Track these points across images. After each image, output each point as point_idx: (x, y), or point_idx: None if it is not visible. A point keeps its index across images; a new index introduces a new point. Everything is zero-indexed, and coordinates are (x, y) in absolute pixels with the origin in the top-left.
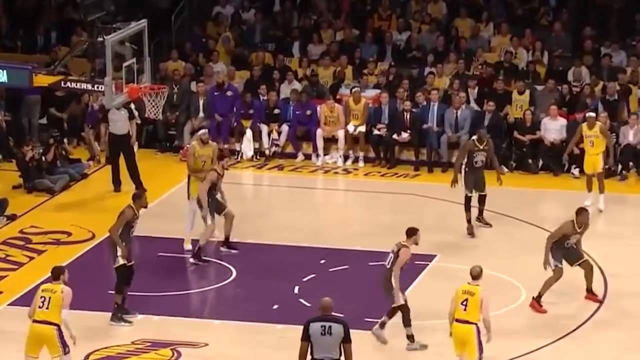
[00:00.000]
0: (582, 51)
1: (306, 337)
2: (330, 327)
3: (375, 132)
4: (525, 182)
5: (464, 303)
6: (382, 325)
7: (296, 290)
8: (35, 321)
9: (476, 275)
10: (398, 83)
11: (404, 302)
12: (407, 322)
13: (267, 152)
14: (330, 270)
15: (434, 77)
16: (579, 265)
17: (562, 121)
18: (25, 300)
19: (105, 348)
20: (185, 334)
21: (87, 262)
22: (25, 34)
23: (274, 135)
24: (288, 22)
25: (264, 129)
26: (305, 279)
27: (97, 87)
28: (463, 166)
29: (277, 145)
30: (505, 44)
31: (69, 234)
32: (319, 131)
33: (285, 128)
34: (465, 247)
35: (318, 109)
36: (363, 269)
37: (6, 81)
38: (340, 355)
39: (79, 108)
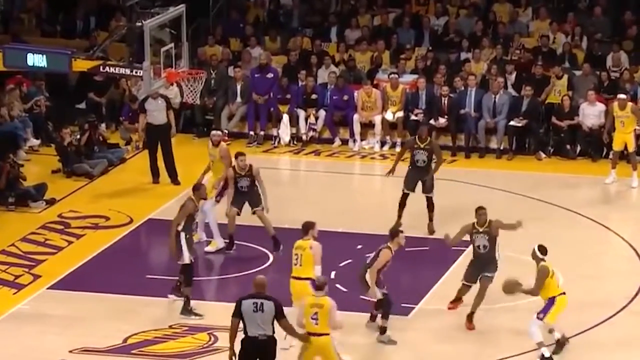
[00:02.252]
0: (622, 36)
1: (237, 313)
2: (262, 304)
3: (413, 117)
4: (563, 168)
5: (314, 317)
6: (382, 330)
7: (332, 275)
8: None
9: (320, 286)
10: (435, 68)
11: (382, 297)
12: (385, 315)
13: (304, 137)
14: (367, 255)
15: (471, 63)
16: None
17: (601, 106)
18: (64, 284)
19: (143, 332)
20: (222, 319)
21: (125, 247)
22: (64, 19)
23: (311, 120)
24: (326, 7)
25: (301, 114)
26: (341, 264)
27: (136, 72)
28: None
29: (314, 130)
30: (543, 28)
31: (107, 219)
32: (356, 116)
33: (322, 113)
34: (502, 233)
35: (355, 94)
36: (399, 255)
37: (46, 66)
38: (274, 332)
39: (117, 93)
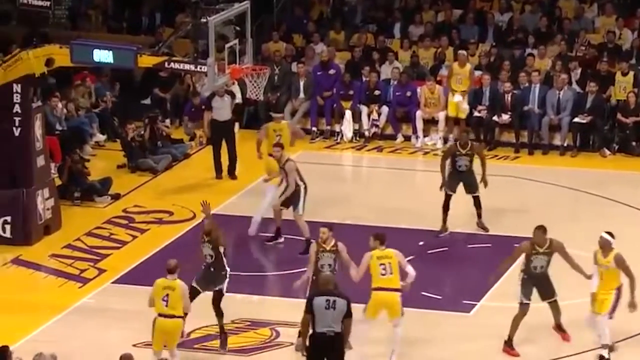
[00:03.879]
0: None
1: (310, 310)
2: (334, 301)
3: (476, 113)
4: (628, 165)
5: (165, 299)
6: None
7: None
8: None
9: (171, 269)
10: (499, 64)
11: None
12: None
13: (366, 133)
14: (429, 252)
15: (534, 59)
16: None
17: None
18: (128, 278)
19: (206, 326)
20: (284, 314)
21: (188, 242)
22: (130, 15)
23: (374, 116)
24: (390, 3)
25: (364, 110)
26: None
27: (200, 68)
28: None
29: (376, 126)
30: (609, 24)
31: (171, 214)
32: (418, 113)
33: (385, 109)
34: (565, 230)
35: (418, 90)
36: (462, 252)
37: (112, 62)
38: (342, 329)
39: (181, 89)
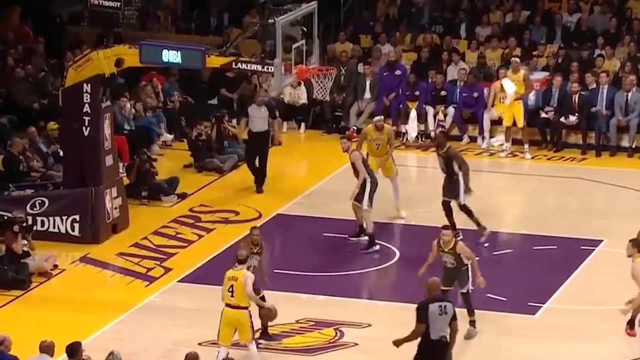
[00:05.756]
0: None
1: (425, 319)
2: (445, 306)
3: (543, 115)
4: None
5: (230, 290)
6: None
7: None
8: None
9: (242, 259)
10: (567, 65)
11: None
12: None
13: (432, 133)
14: (494, 253)
15: (603, 60)
16: None
17: None
18: (194, 277)
19: (271, 326)
20: (348, 314)
21: None
22: (198, 16)
23: (440, 117)
24: (456, 3)
25: (430, 110)
26: None
27: (267, 69)
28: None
29: (442, 127)
30: None
31: (237, 213)
32: (485, 114)
33: (451, 110)
34: (633, 233)
35: (485, 91)
36: (527, 253)
37: (180, 62)
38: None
39: (248, 89)
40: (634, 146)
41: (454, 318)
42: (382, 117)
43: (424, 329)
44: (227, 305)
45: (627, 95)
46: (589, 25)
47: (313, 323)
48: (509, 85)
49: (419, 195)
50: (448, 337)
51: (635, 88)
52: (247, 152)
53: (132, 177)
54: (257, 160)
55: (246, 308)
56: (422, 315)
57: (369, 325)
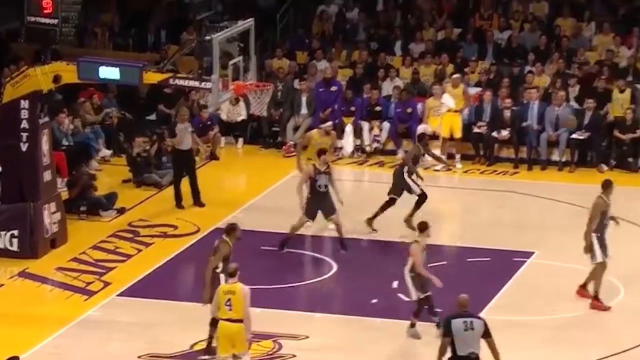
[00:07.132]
0: None
1: (448, 333)
2: (471, 322)
3: (476, 129)
4: (625, 181)
5: (228, 303)
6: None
7: (394, 284)
8: None
9: (232, 273)
10: (499, 81)
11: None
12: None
13: (367, 148)
14: (429, 265)
15: (533, 76)
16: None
17: None
18: (133, 291)
19: (210, 338)
20: (286, 327)
21: (193, 255)
22: (136, 33)
23: (375, 132)
24: (391, 21)
25: (365, 125)
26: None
27: (204, 85)
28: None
29: (378, 142)
30: (607, 43)
31: (175, 227)
32: (420, 127)
33: (386, 125)
34: (564, 245)
35: (419, 106)
36: (461, 265)
37: (118, 78)
38: (480, 350)
39: (186, 105)
40: (564, 160)
41: (486, 335)
42: (332, 123)
43: (449, 343)
44: (226, 319)
45: (557, 111)
46: (519, 42)
47: (251, 335)
48: (448, 100)
49: (355, 209)
50: (477, 354)
51: (564, 103)
52: (175, 170)
53: (74, 192)
54: (188, 179)
55: (242, 321)
56: (445, 329)
57: (307, 337)
